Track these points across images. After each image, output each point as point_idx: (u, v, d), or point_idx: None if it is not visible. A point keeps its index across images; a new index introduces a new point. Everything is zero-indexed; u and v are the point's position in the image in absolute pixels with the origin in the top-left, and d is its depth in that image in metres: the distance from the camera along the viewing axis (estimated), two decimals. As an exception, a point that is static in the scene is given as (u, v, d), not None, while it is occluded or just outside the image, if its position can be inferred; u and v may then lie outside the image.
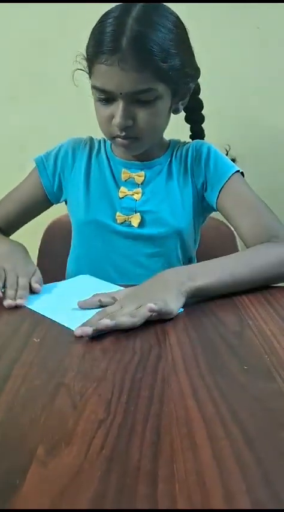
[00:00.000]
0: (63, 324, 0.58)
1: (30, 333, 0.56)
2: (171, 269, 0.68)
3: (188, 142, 0.92)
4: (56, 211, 1.05)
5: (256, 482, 0.31)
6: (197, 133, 0.97)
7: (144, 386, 0.43)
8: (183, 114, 0.91)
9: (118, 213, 0.87)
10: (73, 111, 1.13)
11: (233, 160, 0.90)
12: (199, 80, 0.87)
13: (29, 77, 1.26)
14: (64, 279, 0.83)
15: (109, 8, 0.75)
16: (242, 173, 0.87)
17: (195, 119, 0.95)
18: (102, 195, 0.88)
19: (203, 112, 0.95)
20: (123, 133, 0.77)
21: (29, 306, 0.65)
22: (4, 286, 0.68)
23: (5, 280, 0.70)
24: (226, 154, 0.92)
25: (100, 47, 0.71)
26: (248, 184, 0.86)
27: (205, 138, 0.96)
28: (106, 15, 0.74)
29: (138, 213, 0.86)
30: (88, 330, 0.53)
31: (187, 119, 0.95)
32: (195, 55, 0.82)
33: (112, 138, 0.81)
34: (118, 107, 0.74)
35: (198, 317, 0.61)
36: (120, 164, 0.89)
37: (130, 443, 0.35)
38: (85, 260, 0.92)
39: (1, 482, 0.31)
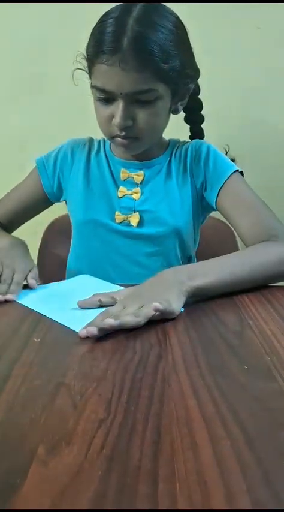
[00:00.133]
0: (63, 323, 0.58)
1: (30, 332, 0.56)
2: (171, 268, 0.68)
3: (187, 142, 0.92)
4: (56, 211, 1.05)
5: (257, 482, 0.31)
6: (196, 133, 0.97)
7: (144, 386, 0.43)
8: (182, 114, 0.91)
9: (117, 213, 0.87)
10: (73, 111, 1.14)
11: (233, 160, 0.90)
12: (199, 80, 0.87)
13: (29, 77, 1.26)
14: (64, 278, 0.83)
15: (109, 8, 0.75)
16: (241, 173, 0.87)
17: (195, 119, 0.95)
18: (101, 194, 0.89)
19: (203, 112, 0.95)
20: (123, 133, 0.78)
21: (28, 306, 0.65)
22: None
23: (0, 275, 0.71)
24: (226, 154, 0.92)
25: (100, 47, 0.72)
26: (248, 183, 0.86)
27: (204, 139, 0.96)
28: (107, 15, 0.74)
29: (137, 213, 0.86)
30: (94, 331, 0.53)
31: (186, 119, 0.95)
32: (195, 55, 0.82)
33: (112, 137, 0.81)
34: (118, 107, 0.75)
35: (198, 317, 0.61)
36: (119, 164, 0.89)
37: (130, 443, 0.35)
38: (85, 260, 0.92)
39: (1, 481, 0.31)
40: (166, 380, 0.44)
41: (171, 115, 0.85)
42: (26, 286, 0.73)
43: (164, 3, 0.76)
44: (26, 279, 0.74)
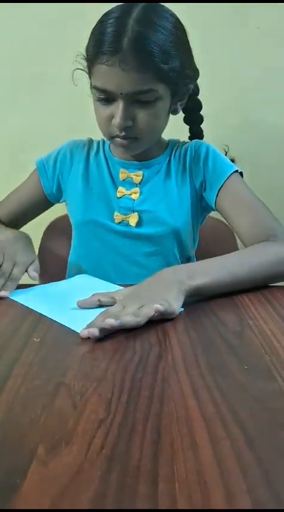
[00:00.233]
0: (63, 324, 0.58)
1: (30, 332, 0.56)
2: (170, 268, 0.68)
3: (187, 142, 0.92)
4: (56, 212, 1.05)
5: (257, 482, 0.31)
6: (196, 134, 0.97)
7: (144, 386, 0.43)
8: (182, 114, 0.91)
9: (116, 213, 0.87)
10: (73, 111, 1.13)
11: (232, 160, 0.90)
12: (199, 80, 0.87)
13: (29, 77, 1.26)
14: (64, 278, 0.83)
15: (109, 8, 0.75)
16: (241, 173, 0.87)
17: (194, 120, 0.95)
18: (100, 195, 0.89)
19: (202, 113, 0.95)
20: (123, 134, 0.78)
21: (28, 306, 0.64)
22: None
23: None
24: (225, 155, 0.92)
25: (100, 47, 0.72)
26: (247, 183, 0.86)
27: (203, 139, 0.96)
28: (107, 15, 0.74)
29: (136, 213, 0.86)
30: (95, 332, 0.53)
31: (185, 120, 0.95)
32: (195, 55, 0.82)
33: (112, 138, 0.81)
34: (118, 107, 0.75)
35: (198, 317, 0.61)
36: (118, 164, 0.90)
37: (130, 443, 0.35)
38: (85, 260, 0.92)
39: (1, 481, 0.31)
40: (166, 380, 0.44)
41: (171, 115, 0.85)
42: (27, 286, 0.73)
43: (163, 4, 0.77)
44: (27, 271, 0.74)
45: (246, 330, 0.56)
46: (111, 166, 0.91)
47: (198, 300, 0.66)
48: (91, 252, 0.91)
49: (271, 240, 0.77)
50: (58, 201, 0.98)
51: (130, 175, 0.88)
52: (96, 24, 0.75)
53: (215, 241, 1.07)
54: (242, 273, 0.69)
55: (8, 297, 0.68)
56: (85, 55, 0.78)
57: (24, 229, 0.98)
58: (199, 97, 0.92)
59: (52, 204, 0.99)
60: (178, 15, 0.77)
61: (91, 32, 0.76)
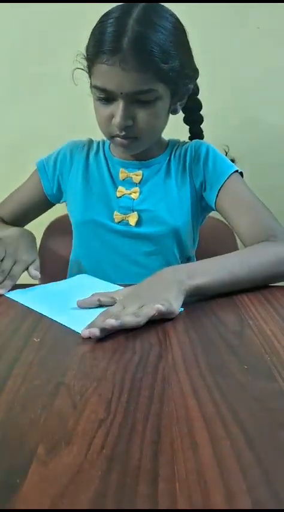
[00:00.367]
0: (63, 323, 0.58)
1: (30, 332, 0.56)
2: (170, 267, 0.68)
3: (187, 142, 0.92)
4: (56, 211, 1.05)
5: (257, 482, 0.31)
6: (196, 134, 0.97)
7: (144, 386, 0.43)
8: (182, 114, 0.91)
9: (116, 212, 0.87)
10: (73, 111, 1.13)
11: (232, 160, 0.90)
12: (199, 81, 0.88)
13: (29, 77, 1.26)
14: (65, 278, 0.83)
15: (109, 8, 0.75)
16: (241, 173, 0.87)
17: (194, 120, 0.96)
18: (100, 195, 0.89)
19: (202, 113, 0.95)
20: (123, 133, 0.78)
21: (28, 306, 0.64)
22: None
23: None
24: (225, 155, 0.92)
25: (101, 46, 0.72)
26: (247, 184, 0.86)
27: (204, 139, 0.96)
28: (107, 15, 0.74)
29: (135, 212, 0.86)
30: (96, 332, 0.53)
31: (185, 120, 0.95)
32: (195, 55, 0.82)
33: (112, 137, 0.81)
34: (118, 107, 0.75)
35: (198, 317, 0.61)
36: (118, 164, 0.90)
37: (130, 443, 0.35)
38: (85, 260, 0.92)
39: (1, 481, 0.31)
40: (166, 380, 0.44)
41: (170, 115, 0.85)
42: (27, 285, 0.73)
43: (163, 4, 0.77)
44: (27, 270, 0.74)
45: (246, 329, 0.56)
46: (110, 166, 0.91)
47: (198, 299, 0.65)
48: (91, 252, 0.91)
49: (271, 240, 0.77)
50: (58, 202, 0.98)
51: (130, 174, 0.88)
52: (96, 24, 0.75)
53: (215, 241, 1.07)
54: (242, 272, 0.69)
55: (8, 297, 0.68)
56: (85, 55, 0.78)
57: (25, 229, 0.98)
58: (199, 97, 0.93)
59: (53, 205, 0.99)
60: (178, 15, 0.77)
61: (92, 32, 0.76)
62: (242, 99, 1.25)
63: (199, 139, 0.95)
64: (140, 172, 0.88)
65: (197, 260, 0.96)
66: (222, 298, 0.67)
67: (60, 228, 1.09)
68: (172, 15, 0.76)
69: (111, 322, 0.53)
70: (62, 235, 1.05)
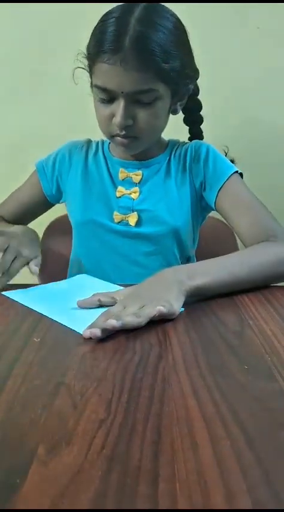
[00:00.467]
0: (63, 323, 0.58)
1: (30, 332, 0.56)
2: (170, 268, 0.68)
3: (187, 143, 0.92)
4: (56, 211, 1.05)
5: (257, 482, 0.31)
6: (195, 134, 0.97)
7: (144, 386, 0.43)
8: (182, 115, 0.91)
9: (115, 212, 0.87)
10: (73, 110, 1.14)
11: (232, 161, 0.90)
12: (199, 80, 0.88)
13: (29, 77, 1.26)
14: (65, 278, 0.83)
15: (109, 8, 0.75)
16: (241, 174, 0.87)
17: (194, 120, 0.96)
18: (100, 195, 0.89)
19: (202, 113, 0.95)
20: (123, 132, 0.78)
21: (29, 306, 0.64)
22: None
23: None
24: (225, 155, 0.92)
25: (102, 45, 0.72)
26: (247, 184, 0.86)
27: (203, 139, 0.96)
28: (108, 15, 0.74)
29: (135, 212, 0.86)
30: (97, 332, 0.52)
31: (185, 120, 0.95)
32: (195, 55, 0.82)
33: (112, 137, 0.81)
34: (119, 106, 0.75)
35: (198, 317, 0.61)
36: (117, 164, 0.90)
37: (130, 443, 0.35)
38: (85, 260, 0.93)
39: (1, 481, 0.31)
40: (166, 380, 0.44)
41: (170, 115, 0.85)
42: (27, 286, 0.73)
43: (164, 4, 0.77)
44: (28, 265, 0.74)
45: (246, 329, 0.56)
46: (110, 166, 0.91)
47: (198, 300, 0.65)
48: (90, 252, 0.91)
49: (271, 240, 0.77)
50: (58, 202, 0.99)
51: (130, 174, 0.88)
52: (97, 24, 0.75)
53: (215, 241, 1.07)
54: (242, 273, 0.69)
55: (8, 297, 0.68)
56: (86, 54, 0.78)
57: (25, 229, 0.98)
58: (199, 97, 0.92)
59: (52, 205, 0.99)
60: (178, 15, 0.77)
61: (92, 31, 0.76)
62: (242, 99, 1.25)
63: (199, 139, 0.95)
64: (140, 172, 0.88)
65: (197, 260, 0.96)
66: (222, 298, 0.67)
67: (60, 228, 1.09)
68: (173, 15, 0.76)
69: (112, 322, 0.53)
70: (62, 235, 1.05)
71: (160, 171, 0.89)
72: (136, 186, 0.88)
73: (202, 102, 0.93)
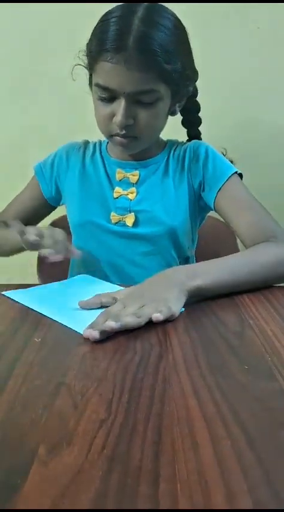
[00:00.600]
0: (64, 323, 0.58)
1: (31, 332, 0.56)
2: (171, 268, 0.68)
3: (186, 143, 0.92)
4: (56, 212, 1.05)
5: (257, 481, 0.31)
6: (194, 136, 0.97)
7: (145, 386, 0.43)
8: (180, 117, 0.91)
9: (112, 213, 0.87)
10: (74, 110, 1.14)
11: (231, 161, 0.90)
12: (199, 80, 0.87)
13: (29, 77, 1.26)
14: (65, 278, 0.83)
15: (109, 8, 0.75)
16: (240, 174, 0.87)
17: (192, 121, 0.95)
18: (97, 196, 0.89)
19: (202, 113, 0.95)
20: (123, 132, 0.78)
21: (29, 306, 0.64)
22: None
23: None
24: (224, 155, 0.92)
25: (104, 44, 0.71)
26: (245, 184, 0.86)
27: (202, 140, 0.96)
28: (109, 14, 0.74)
29: (133, 213, 0.86)
30: (96, 335, 0.52)
31: (183, 122, 0.95)
32: (195, 55, 0.82)
33: (111, 136, 0.81)
34: (120, 106, 0.74)
35: (199, 317, 0.61)
36: (114, 164, 0.90)
37: (131, 443, 0.35)
38: (83, 261, 0.92)
39: (2, 481, 0.31)
40: (166, 380, 0.44)
41: (169, 117, 0.85)
42: (27, 286, 0.73)
43: (164, 4, 0.76)
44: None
45: (247, 330, 0.56)
46: (107, 167, 0.91)
47: (199, 300, 0.65)
48: (88, 253, 0.91)
49: (270, 240, 0.77)
50: (58, 204, 0.99)
51: (127, 175, 0.88)
52: (98, 23, 0.75)
53: (215, 241, 1.07)
54: (242, 274, 0.69)
55: (8, 297, 0.68)
56: (87, 52, 0.77)
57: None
58: (198, 97, 0.92)
59: (53, 208, 1.00)
60: (178, 15, 0.77)
61: (93, 31, 0.75)
62: (242, 99, 1.25)
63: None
64: (137, 172, 0.88)
65: (197, 260, 0.96)
66: (223, 299, 0.67)
67: (60, 228, 1.09)
68: (173, 15, 0.76)
69: (111, 324, 0.53)
70: (62, 236, 1.04)
71: (158, 170, 0.89)
72: (133, 186, 0.88)
73: (201, 102, 0.93)
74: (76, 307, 0.63)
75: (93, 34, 0.76)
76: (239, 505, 0.29)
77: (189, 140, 0.97)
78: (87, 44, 0.77)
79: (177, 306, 0.60)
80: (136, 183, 0.88)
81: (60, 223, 1.08)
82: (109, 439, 0.35)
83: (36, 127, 1.28)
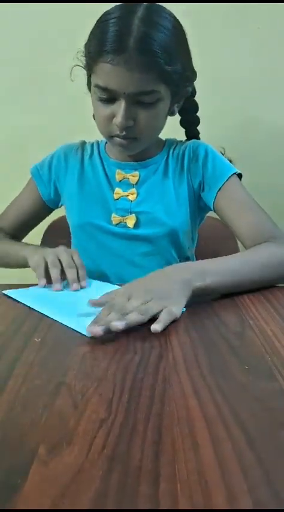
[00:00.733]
0: (64, 323, 0.58)
1: (31, 332, 0.56)
2: (178, 265, 0.68)
3: (185, 142, 0.92)
4: (56, 212, 1.05)
5: (258, 482, 0.31)
6: (192, 136, 0.97)
7: (145, 386, 0.43)
8: (179, 117, 0.91)
9: (113, 214, 0.87)
10: (74, 111, 1.13)
11: (230, 161, 0.90)
12: (198, 80, 0.87)
13: (29, 77, 1.26)
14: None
15: (109, 8, 0.75)
16: (240, 174, 0.87)
17: (191, 121, 0.95)
18: (97, 197, 0.89)
19: (201, 113, 0.95)
20: (123, 133, 0.78)
21: (30, 306, 0.64)
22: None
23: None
24: (223, 155, 0.92)
25: (104, 45, 0.71)
26: (245, 184, 0.86)
27: (201, 139, 0.96)
28: (108, 15, 0.73)
29: (133, 214, 0.86)
30: (99, 332, 0.52)
31: (182, 122, 0.95)
32: (195, 55, 0.82)
33: (111, 137, 0.81)
34: (120, 107, 0.74)
35: (199, 317, 0.61)
36: (114, 165, 0.90)
37: (131, 443, 0.35)
38: (83, 262, 0.92)
39: (2, 481, 0.31)
40: (167, 380, 0.44)
41: (168, 117, 0.85)
42: (27, 285, 0.73)
43: (163, 4, 0.76)
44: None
45: (247, 330, 0.56)
46: (106, 168, 0.91)
47: (199, 300, 0.65)
48: (88, 254, 0.90)
49: (270, 241, 0.77)
50: (57, 206, 0.99)
51: (127, 175, 0.88)
52: (97, 24, 0.75)
53: (215, 241, 1.07)
54: (243, 274, 0.69)
55: (9, 297, 0.68)
56: (86, 53, 0.77)
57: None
58: (198, 97, 0.92)
59: (51, 210, 1.00)
60: (178, 15, 0.77)
61: (92, 31, 0.75)
62: (241, 99, 1.25)
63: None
64: (137, 173, 0.88)
65: (196, 260, 0.96)
66: (223, 299, 0.67)
67: (60, 229, 1.08)
68: (171, 15, 0.76)
69: (117, 325, 0.53)
70: (62, 236, 1.04)
71: (158, 170, 0.88)
72: (133, 187, 0.88)
73: (201, 102, 0.93)
74: (77, 307, 0.63)
75: (91, 35, 0.75)
76: (240, 505, 0.29)
77: (187, 140, 0.97)
78: (85, 44, 0.77)
79: (179, 306, 0.59)
80: (136, 183, 0.88)
81: (60, 224, 1.09)
82: (110, 438, 0.35)
83: (36, 127, 1.28)
